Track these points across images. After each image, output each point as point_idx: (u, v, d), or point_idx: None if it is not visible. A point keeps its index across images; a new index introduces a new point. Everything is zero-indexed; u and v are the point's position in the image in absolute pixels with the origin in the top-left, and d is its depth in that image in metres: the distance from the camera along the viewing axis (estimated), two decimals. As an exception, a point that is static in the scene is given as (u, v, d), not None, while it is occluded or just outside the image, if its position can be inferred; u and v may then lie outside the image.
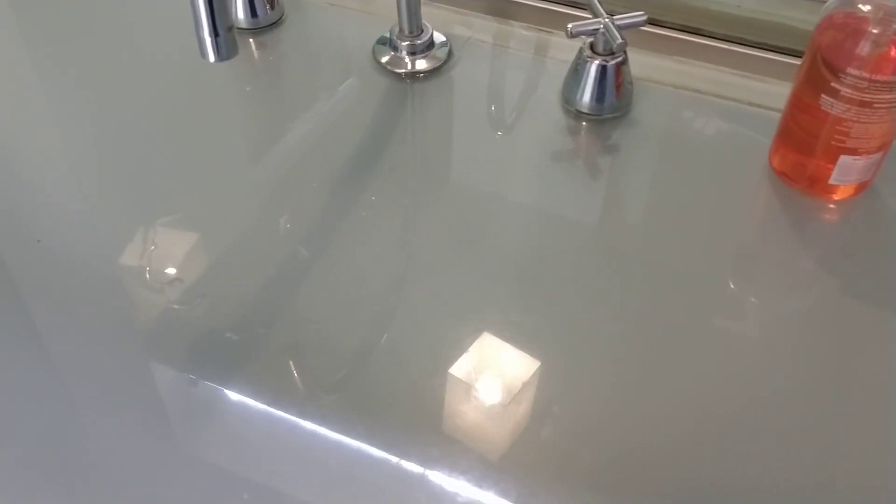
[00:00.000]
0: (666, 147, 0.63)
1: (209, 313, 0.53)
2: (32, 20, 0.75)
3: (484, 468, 0.46)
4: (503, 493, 0.45)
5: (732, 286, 0.54)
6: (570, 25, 0.60)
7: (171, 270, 0.56)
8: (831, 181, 0.56)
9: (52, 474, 0.46)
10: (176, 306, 0.54)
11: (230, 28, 0.44)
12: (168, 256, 0.56)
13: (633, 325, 0.52)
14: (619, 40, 0.59)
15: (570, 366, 0.50)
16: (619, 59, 0.62)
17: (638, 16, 0.61)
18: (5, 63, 0.71)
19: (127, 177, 0.62)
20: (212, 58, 0.44)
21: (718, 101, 0.65)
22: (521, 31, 0.71)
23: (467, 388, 0.49)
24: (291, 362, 0.51)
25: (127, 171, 0.63)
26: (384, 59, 0.68)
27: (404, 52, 0.68)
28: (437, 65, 0.68)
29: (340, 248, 0.57)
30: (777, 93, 0.63)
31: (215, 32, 0.43)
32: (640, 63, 0.66)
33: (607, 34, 0.60)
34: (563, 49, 0.68)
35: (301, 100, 0.67)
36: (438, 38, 0.69)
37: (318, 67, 0.70)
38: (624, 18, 0.60)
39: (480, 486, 0.45)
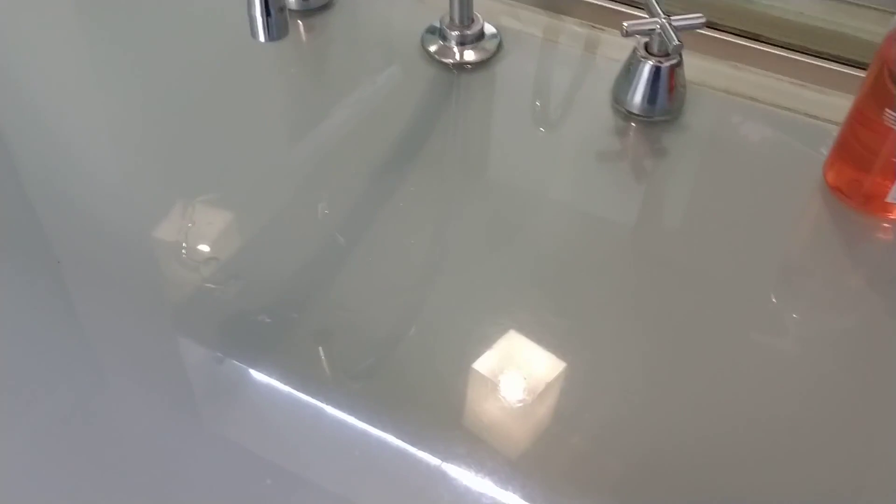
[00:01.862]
0: (716, 154, 0.62)
1: (241, 294, 0.53)
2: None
3: (507, 468, 0.45)
4: (524, 494, 0.44)
5: (774, 300, 0.53)
6: (625, 24, 0.59)
7: (206, 248, 0.55)
8: (888, 199, 0.54)
9: (78, 446, 0.46)
10: (209, 285, 0.53)
11: (282, 8, 0.43)
12: (203, 234, 0.56)
13: (668, 333, 0.51)
14: (676, 42, 0.57)
15: (599, 370, 0.49)
16: (674, 61, 0.60)
17: (696, 18, 0.59)
18: (56, 32, 0.72)
19: (166, 151, 0.62)
20: (262, 37, 0.44)
21: (774, 111, 0.63)
22: (572, 27, 0.70)
23: (492, 385, 0.48)
24: (320, 348, 0.50)
25: (166, 145, 0.62)
26: (432, 48, 0.67)
27: (453, 43, 0.67)
28: (486, 57, 0.67)
29: (375, 237, 0.56)
30: (835, 104, 0.61)
31: (267, 12, 0.43)
32: (695, 66, 0.64)
33: (663, 35, 0.58)
34: (615, 47, 0.67)
35: (346, 85, 0.67)
36: (489, 29, 0.68)
37: (365, 53, 0.69)
38: (681, 20, 0.59)
39: (503, 486, 0.44)
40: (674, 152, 0.61)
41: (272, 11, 0.43)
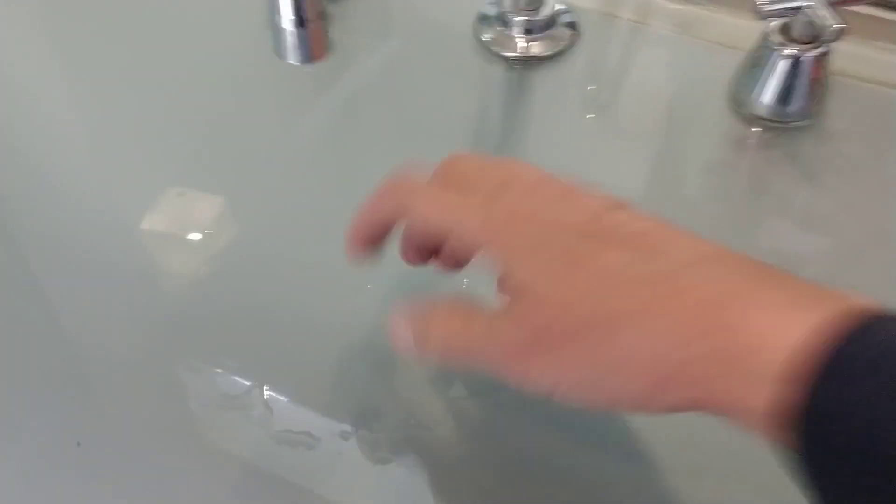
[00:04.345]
0: (875, 172, 0.47)
1: (234, 292, 0.44)
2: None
3: None
4: None
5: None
6: (760, 2, 0.44)
7: (197, 239, 0.46)
8: None
9: (69, 468, 0.39)
10: (199, 281, 0.45)
11: (321, 15, 0.28)
12: (195, 223, 0.46)
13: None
14: (839, 24, 0.43)
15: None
16: (822, 49, 0.45)
17: (855, -11, 0.44)
18: (23, 22, 0.57)
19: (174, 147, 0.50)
20: (292, 57, 0.29)
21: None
22: (667, 5, 0.54)
23: None
24: (318, 353, 0.41)
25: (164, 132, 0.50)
26: (488, 38, 0.52)
27: (517, 30, 0.52)
28: (560, 49, 0.52)
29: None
30: None
31: (300, 20, 0.28)
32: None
33: (814, 15, 0.44)
34: (725, 29, 0.52)
35: (373, 88, 0.52)
36: (561, 11, 0.53)
37: (398, 47, 0.54)
38: (838, -7, 0.44)
39: None
40: (816, 169, 0.47)
41: (306, 19, 0.28)
